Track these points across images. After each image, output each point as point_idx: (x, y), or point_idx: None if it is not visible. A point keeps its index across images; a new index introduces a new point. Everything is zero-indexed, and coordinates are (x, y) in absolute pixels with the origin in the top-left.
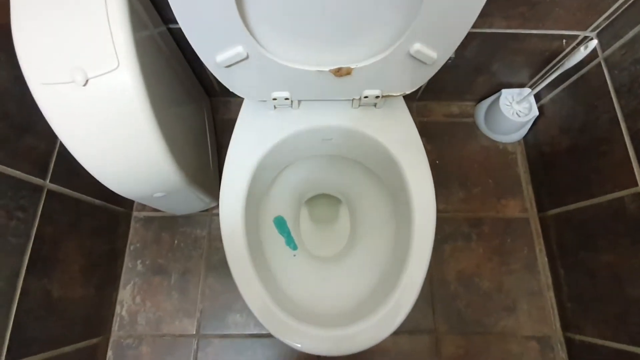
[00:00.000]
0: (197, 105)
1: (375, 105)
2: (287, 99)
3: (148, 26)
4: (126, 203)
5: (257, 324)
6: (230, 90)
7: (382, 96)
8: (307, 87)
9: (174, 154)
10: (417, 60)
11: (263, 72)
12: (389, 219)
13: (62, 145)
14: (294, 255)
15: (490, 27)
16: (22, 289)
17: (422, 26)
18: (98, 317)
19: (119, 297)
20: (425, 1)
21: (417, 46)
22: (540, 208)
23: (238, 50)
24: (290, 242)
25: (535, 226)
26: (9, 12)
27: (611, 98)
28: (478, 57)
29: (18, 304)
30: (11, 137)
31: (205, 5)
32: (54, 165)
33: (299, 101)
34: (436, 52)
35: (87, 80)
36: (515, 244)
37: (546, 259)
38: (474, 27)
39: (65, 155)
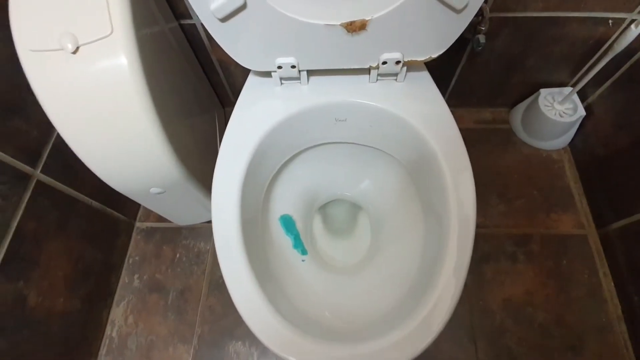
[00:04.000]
0: (209, 115)
1: (396, 78)
2: (293, 67)
3: (158, 20)
4: (128, 211)
5: (262, 354)
6: (231, 56)
7: (404, 63)
8: (315, 50)
9: (173, 144)
10: (443, 5)
11: (265, 29)
12: (416, 220)
13: (59, 137)
14: (303, 261)
15: (524, 11)
16: None
17: None
18: (83, 338)
19: (111, 316)
20: None
21: None
22: (600, 223)
23: None
24: (299, 245)
25: (596, 245)
26: None
27: None
28: (510, 48)
29: None
30: None
31: None
32: (48, 156)
33: (308, 76)
34: None
35: (77, 48)
36: (573, 266)
37: (613, 283)
38: (505, 11)
39: (62, 148)
